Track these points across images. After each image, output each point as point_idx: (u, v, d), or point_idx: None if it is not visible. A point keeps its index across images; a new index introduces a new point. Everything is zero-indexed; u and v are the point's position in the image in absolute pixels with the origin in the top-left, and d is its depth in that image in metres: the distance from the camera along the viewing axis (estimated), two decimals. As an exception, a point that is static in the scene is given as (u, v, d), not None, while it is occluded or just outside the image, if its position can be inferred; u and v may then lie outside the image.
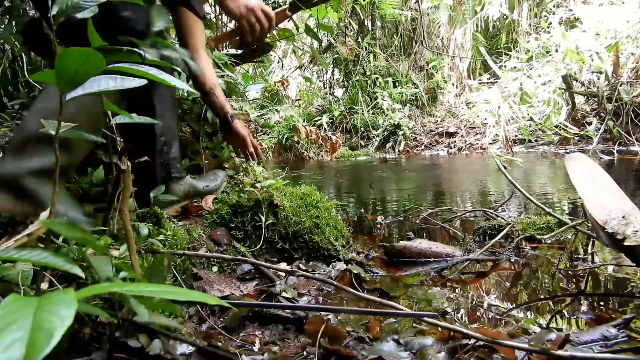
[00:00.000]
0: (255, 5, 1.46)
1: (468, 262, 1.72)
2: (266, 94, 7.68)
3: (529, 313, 1.31)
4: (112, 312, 0.82)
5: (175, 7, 1.42)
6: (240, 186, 1.90)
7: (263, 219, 1.67)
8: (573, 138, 5.76)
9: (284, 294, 1.35)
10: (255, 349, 1.05)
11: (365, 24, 8.16)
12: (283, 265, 1.51)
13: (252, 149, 1.85)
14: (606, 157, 4.74)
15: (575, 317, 1.27)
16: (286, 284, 1.41)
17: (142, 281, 0.84)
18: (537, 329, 1.18)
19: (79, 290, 0.46)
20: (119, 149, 1.03)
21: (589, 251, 1.80)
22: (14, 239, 0.83)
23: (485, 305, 1.38)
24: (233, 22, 3.53)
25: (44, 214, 1.02)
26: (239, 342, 1.09)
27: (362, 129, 7.33)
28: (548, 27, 6.11)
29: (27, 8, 2.04)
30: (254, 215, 1.71)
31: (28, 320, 0.36)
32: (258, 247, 1.63)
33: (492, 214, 2.29)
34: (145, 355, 0.88)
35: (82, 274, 0.58)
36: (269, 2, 3.34)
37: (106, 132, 1.02)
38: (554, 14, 6.56)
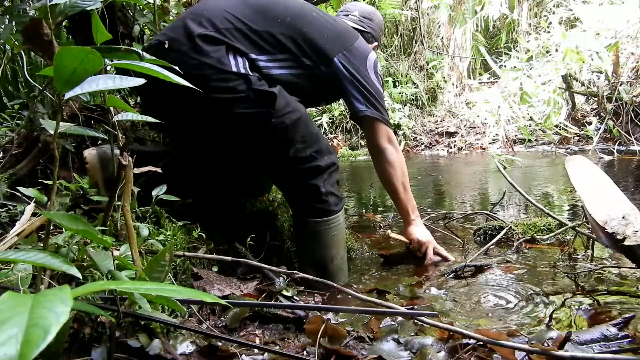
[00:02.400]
0: (430, 239, 1.82)
1: (467, 266, 1.71)
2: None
3: (529, 313, 1.31)
4: (114, 307, 0.82)
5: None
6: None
7: (268, 237, 1.70)
8: (573, 138, 5.76)
9: (284, 292, 1.35)
10: (255, 349, 1.05)
11: (365, 23, 8.14)
12: (283, 268, 1.51)
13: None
14: (606, 157, 4.74)
15: (575, 316, 1.27)
16: (285, 282, 1.41)
17: (144, 277, 0.84)
18: (538, 328, 1.17)
19: (75, 288, 0.46)
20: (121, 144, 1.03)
21: (589, 252, 1.80)
22: (4, 241, 0.83)
23: (485, 305, 1.38)
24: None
25: (29, 208, 1.02)
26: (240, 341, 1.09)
27: (362, 128, 7.31)
28: (548, 27, 6.11)
29: (27, 8, 2.04)
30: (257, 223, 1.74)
31: (24, 317, 0.36)
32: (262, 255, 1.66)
33: (492, 215, 2.28)
34: (145, 355, 0.88)
35: (79, 275, 0.58)
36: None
37: (108, 128, 1.02)
38: (554, 13, 6.56)
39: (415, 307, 1.38)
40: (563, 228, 1.92)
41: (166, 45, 1.42)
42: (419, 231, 1.81)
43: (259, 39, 1.50)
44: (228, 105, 1.44)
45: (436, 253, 1.80)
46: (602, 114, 5.56)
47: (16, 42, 1.99)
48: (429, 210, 2.67)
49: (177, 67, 1.02)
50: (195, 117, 1.48)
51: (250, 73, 1.46)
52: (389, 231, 1.92)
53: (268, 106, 1.46)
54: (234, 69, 1.43)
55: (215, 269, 1.50)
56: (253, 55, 1.49)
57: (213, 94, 1.41)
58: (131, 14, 2.13)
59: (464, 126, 6.96)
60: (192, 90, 1.37)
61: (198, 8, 1.55)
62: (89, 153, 1.50)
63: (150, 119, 0.99)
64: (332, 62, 1.60)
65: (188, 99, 1.41)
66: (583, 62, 5.31)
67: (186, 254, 1.31)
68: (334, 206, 1.58)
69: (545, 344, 0.99)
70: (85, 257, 0.98)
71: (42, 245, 0.79)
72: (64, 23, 2.00)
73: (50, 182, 1.15)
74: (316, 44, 1.58)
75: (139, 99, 1.86)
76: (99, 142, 1.75)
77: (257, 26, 1.51)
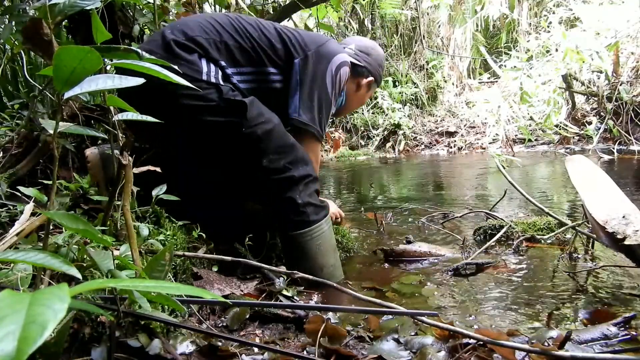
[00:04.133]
0: (333, 209, 1.96)
1: (468, 264, 1.71)
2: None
3: (528, 312, 1.31)
4: (114, 306, 0.82)
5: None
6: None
7: (268, 236, 1.70)
8: (573, 137, 5.76)
9: (284, 292, 1.35)
10: (256, 348, 1.05)
11: (365, 23, 8.16)
12: (283, 268, 1.51)
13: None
14: (606, 157, 4.74)
15: (575, 316, 1.27)
16: (285, 282, 1.41)
17: (144, 276, 0.84)
18: (538, 328, 1.17)
19: (74, 287, 0.46)
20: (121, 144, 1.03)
21: (589, 251, 1.80)
22: (3, 241, 0.83)
23: (485, 304, 1.38)
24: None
25: (28, 208, 1.02)
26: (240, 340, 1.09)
27: (362, 128, 7.32)
28: (548, 27, 6.11)
29: (27, 8, 2.04)
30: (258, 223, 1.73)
31: (21, 314, 0.37)
32: (262, 255, 1.65)
33: (493, 214, 2.28)
34: (145, 355, 0.88)
35: (78, 275, 0.58)
36: (269, 1, 3.34)
37: (108, 127, 1.02)
38: (554, 13, 6.56)
39: (416, 306, 1.38)
40: (563, 228, 1.92)
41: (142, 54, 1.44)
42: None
43: (225, 49, 1.53)
44: (198, 113, 1.44)
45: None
46: (602, 113, 5.57)
47: (16, 42, 1.99)
48: (429, 210, 2.67)
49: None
50: (168, 126, 1.48)
51: (222, 83, 1.48)
52: None
53: (239, 116, 1.46)
54: (205, 77, 1.45)
55: (215, 268, 1.50)
56: (223, 63, 1.51)
57: (184, 101, 1.42)
58: (131, 13, 2.13)
59: (464, 126, 6.97)
60: (163, 96, 1.38)
61: (174, 22, 1.61)
62: (91, 152, 1.50)
63: (150, 118, 0.99)
64: (293, 64, 1.61)
65: (160, 106, 1.41)
66: (583, 61, 5.31)
67: (186, 253, 1.31)
68: (314, 215, 1.56)
69: (546, 344, 0.99)
70: (85, 257, 0.98)
71: (41, 245, 0.79)
72: (64, 23, 2.00)
73: (50, 182, 1.15)
74: (282, 52, 1.61)
75: None
76: (99, 141, 1.75)
77: (225, 38, 1.53)
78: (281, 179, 1.53)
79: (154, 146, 1.69)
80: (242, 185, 1.68)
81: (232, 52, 1.54)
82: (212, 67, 1.48)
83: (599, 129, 5.43)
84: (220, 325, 1.19)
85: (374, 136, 7.15)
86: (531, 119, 6.23)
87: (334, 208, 1.98)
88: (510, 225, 2.00)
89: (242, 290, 1.40)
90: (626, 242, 1.19)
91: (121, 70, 1.33)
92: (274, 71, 1.61)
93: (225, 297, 1.29)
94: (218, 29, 1.54)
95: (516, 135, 6.20)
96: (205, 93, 1.43)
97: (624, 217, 1.26)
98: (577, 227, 1.78)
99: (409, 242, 1.89)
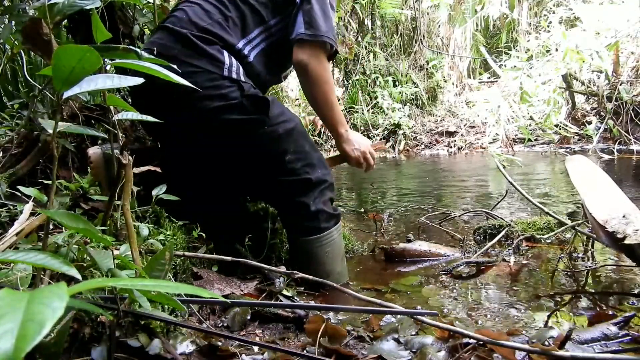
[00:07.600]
0: (365, 148, 1.71)
1: (468, 263, 1.71)
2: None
3: (529, 311, 1.31)
4: (114, 306, 0.82)
5: None
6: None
7: (268, 237, 1.69)
8: (573, 137, 5.76)
9: (284, 292, 1.35)
10: (256, 348, 1.05)
11: (365, 23, 8.16)
12: (282, 268, 1.51)
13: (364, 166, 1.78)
14: (606, 156, 4.74)
15: (575, 315, 1.27)
16: (285, 282, 1.41)
17: (144, 275, 0.84)
18: (538, 327, 1.17)
19: (73, 285, 0.46)
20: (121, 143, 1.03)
21: (589, 251, 1.80)
22: (3, 241, 0.83)
23: (485, 304, 1.38)
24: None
25: (28, 207, 1.02)
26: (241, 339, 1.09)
27: (362, 128, 7.31)
28: (548, 26, 6.10)
29: (27, 8, 2.04)
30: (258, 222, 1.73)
31: (19, 312, 0.37)
32: (263, 255, 1.65)
33: (493, 214, 2.28)
34: (145, 355, 0.88)
35: (78, 275, 0.58)
36: None
37: (108, 127, 1.02)
38: (554, 13, 6.56)
39: (415, 306, 1.38)
40: (563, 227, 1.92)
41: (155, 52, 1.37)
42: (350, 146, 1.69)
43: (232, 25, 1.47)
44: (219, 113, 1.40)
45: (376, 149, 1.78)
46: (602, 113, 5.56)
47: (16, 42, 1.99)
48: (429, 210, 2.67)
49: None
50: (183, 126, 1.45)
51: (243, 79, 1.44)
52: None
53: (262, 113, 1.43)
54: (227, 73, 1.41)
55: (215, 268, 1.50)
56: (240, 45, 1.46)
57: (204, 103, 1.38)
58: (131, 13, 2.13)
59: (464, 126, 6.96)
60: (181, 97, 1.35)
61: (172, 16, 1.52)
62: (94, 152, 1.49)
63: (150, 118, 0.99)
64: None
65: (177, 106, 1.39)
66: (583, 61, 5.30)
67: (186, 253, 1.30)
68: (325, 223, 1.54)
69: (546, 344, 0.99)
70: (85, 256, 0.98)
71: (41, 244, 0.79)
72: (64, 23, 2.00)
73: (50, 182, 1.15)
74: None
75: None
76: (99, 141, 1.74)
77: (226, 12, 1.47)
78: (297, 181, 1.51)
79: (163, 144, 1.67)
80: (250, 185, 1.66)
81: (237, 24, 1.48)
82: (234, 60, 1.44)
83: (599, 128, 5.43)
84: (220, 325, 1.19)
85: (374, 136, 7.14)
86: (531, 118, 6.22)
87: (367, 143, 1.74)
88: (510, 225, 2.00)
89: (242, 290, 1.40)
90: (626, 242, 1.19)
91: (121, 70, 1.33)
92: (275, 21, 1.55)
93: (225, 297, 1.29)
94: (216, 6, 1.48)
95: (516, 135, 6.19)
96: (227, 92, 1.40)
97: (624, 216, 1.26)
98: (577, 227, 1.78)
99: (408, 241, 1.89)
